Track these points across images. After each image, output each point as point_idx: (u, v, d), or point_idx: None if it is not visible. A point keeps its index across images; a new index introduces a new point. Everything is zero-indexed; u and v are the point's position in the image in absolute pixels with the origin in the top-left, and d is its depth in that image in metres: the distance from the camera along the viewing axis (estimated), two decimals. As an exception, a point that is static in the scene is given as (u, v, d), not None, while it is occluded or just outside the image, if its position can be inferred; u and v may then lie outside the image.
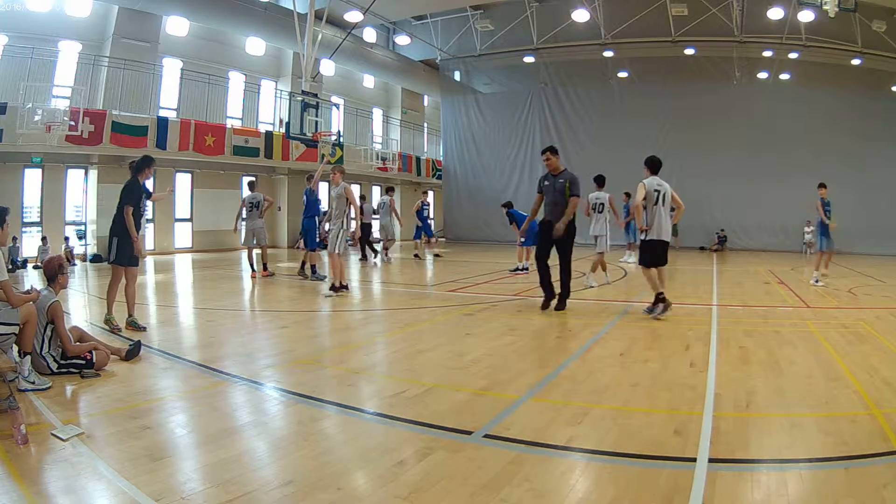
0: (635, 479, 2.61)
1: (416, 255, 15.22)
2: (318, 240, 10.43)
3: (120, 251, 5.81)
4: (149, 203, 6.30)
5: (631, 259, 13.62)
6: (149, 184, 6.27)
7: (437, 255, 14.79)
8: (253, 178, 14.11)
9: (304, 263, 10.59)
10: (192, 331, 6.29)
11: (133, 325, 5.78)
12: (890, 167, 18.57)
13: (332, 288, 8.50)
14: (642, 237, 6.79)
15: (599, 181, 9.87)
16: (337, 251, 8.48)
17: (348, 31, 17.83)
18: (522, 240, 11.45)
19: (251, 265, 10.94)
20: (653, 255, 6.70)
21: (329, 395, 3.81)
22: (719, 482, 2.53)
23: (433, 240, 15.04)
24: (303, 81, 15.06)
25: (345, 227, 8.47)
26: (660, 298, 6.55)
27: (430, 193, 27.61)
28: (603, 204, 9.83)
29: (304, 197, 10.63)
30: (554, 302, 7.09)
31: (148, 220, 13.55)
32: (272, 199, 11.34)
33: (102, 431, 3.09)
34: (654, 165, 6.84)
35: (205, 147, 15.95)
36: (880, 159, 18.65)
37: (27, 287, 4.51)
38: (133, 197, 5.88)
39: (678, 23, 19.17)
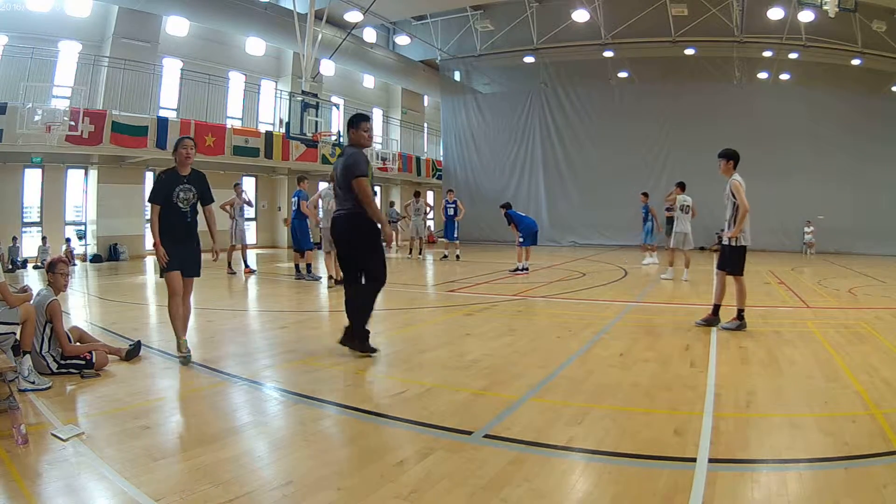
0: (635, 479, 2.60)
1: (444, 256, 15.07)
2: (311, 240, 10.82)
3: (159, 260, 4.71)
4: (184, 195, 4.67)
5: (655, 261, 13.46)
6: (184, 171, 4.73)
7: (455, 257, 14.71)
8: (237, 182, 13.94)
9: (297, 265, 10.72)
10: (192, 331, 6.24)
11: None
12: (890, 167, 18.57)
13: (333, 280, 9.23)
14: (732, 243, 5.93)
15: (682, 186, 10.94)
16: (326, 250, 9.46)
17: (348, 32, 17.82)
18: (521, 240, 11.50)
19: (244, 263, 11.67)
20: (744, 261, 5.94)
21: (329, 395, 3.81)
22: (719, 482, 2.53)
23: (455, 241, 14.93)
24: (303, 81, 15.06)
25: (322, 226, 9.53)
26: (741, 315, 5.90)
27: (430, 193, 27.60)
28: (689, 206, 10.68)
29: (296, 198, 10.72)
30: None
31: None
32: (231, 201, 11.67)
33: (102, 431, 3.09)
34: (738, 158, 5.99)
35: (205, 147, 15.95)
36: (880, 159, 18.64)
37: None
38: (157, 191, 4.64)
39: (678, 23, 19.17)
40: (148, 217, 17.65)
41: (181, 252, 4.71)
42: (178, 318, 4.70)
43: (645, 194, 13.57)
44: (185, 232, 4.73)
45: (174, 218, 4.68)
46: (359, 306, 5.00)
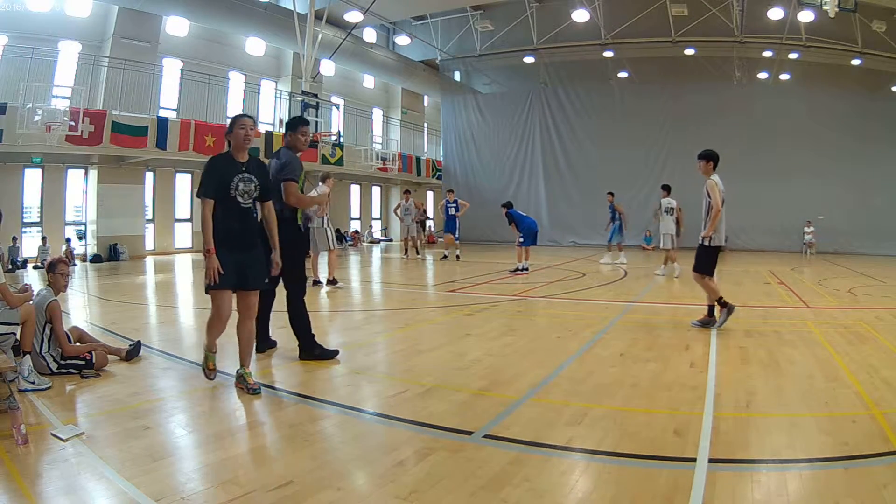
0: (635, 479, 2.61)
1: (444, 256, 14.94)
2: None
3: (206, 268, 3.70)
4: (244, 187, 3.73)
5: (624, 260, 13.61)
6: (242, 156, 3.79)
7: (455, 257, 14.60)
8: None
9: None
10: (192, 331, 6.29)
11: (239, 380, 3.89)
12: (890, 167, 18.56)
13: (327, 281, 9.27)
14: (705, 243, 6.03)
15: (667, 189, 11.47)
16: (330, 247, 9.54)
17: (348, 32, 17.83)
18: (521, 240, 11.51)
19: None
20: (715, 261, 6.09)
21: (329, 395, 3.81)
22: (719, 482, 2.53)
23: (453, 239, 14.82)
24: (303, 81, 15.10)
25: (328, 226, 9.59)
26: (723, 303, 5.97)
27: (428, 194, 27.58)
28: (672, 208, 11.29)
29: None
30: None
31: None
32: None
33: (102, 431, 3.09)
34: (717, 160, 6.09)
35: (205, 147, 15.95)
36: (880, 159, 18.65)
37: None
38: (209, 182, 3.67)
39: (678, 23, 19.17)
40: (149, 217, 17.56)
41: (239, 261, 3.74)
42: (214, 335, 3.90)
43: (611, 193, 13.61)
44: (246, 235, 3.78)
45: (232, 217, 3.71)
46: (292, 319, 4.78)
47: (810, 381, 4.12)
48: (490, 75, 24.36)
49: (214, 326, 3.87)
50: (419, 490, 2.46)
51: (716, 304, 6.00)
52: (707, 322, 6.07)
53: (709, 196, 6.00)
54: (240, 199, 3.71)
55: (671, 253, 11.27)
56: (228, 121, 3.89)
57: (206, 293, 3.77)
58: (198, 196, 3.69)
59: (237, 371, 3.93)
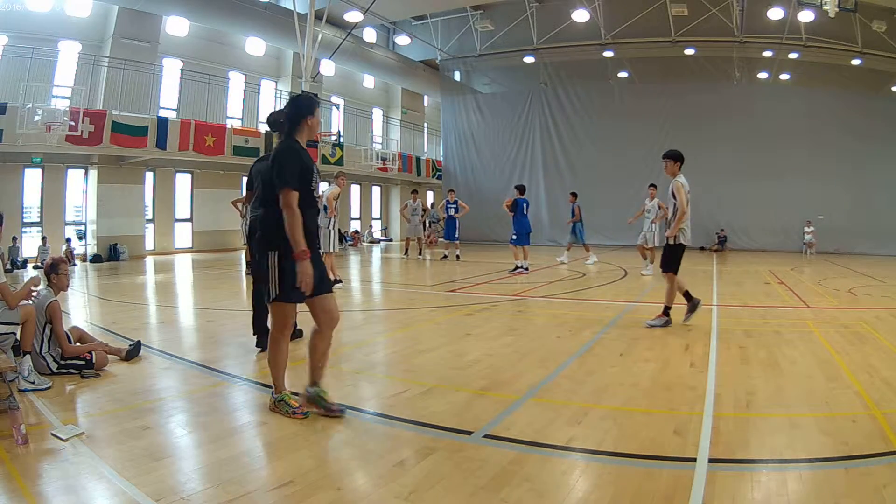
0: (635, 479, 2.61)
1: (444, 256, 14.90)
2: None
3: (282, 276, 3.14)
4: (319, 184, 3.46)
5: (567, 260, 13.64)
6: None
7: (455, 257, 14.55)
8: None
9: None
10: (192, 331, 6.29)
11: (316, 401, 3.38)
12: (890, 167, 18.57)
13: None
14: (671, 242, 6.13)
15: (656, 187, 11.59)
16: (330, 250, 9.28)
17: (348, 32, 17.84)
18: (514, 237, 11.53)
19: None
20: (679, 259, 6.16)
21: (329, 395, 3.80)
22: (719, 482, 2.53)
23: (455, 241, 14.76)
24: (303, 81, 15.10)
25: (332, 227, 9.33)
26: (668, 311, 6.17)
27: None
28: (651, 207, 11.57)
29: None
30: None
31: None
32: (243, 198, 11.62)
33: (102, 431, 3.09)
34: (683, 160, 6.14)
35: (205, 147, 15.96)
36: (880, 159, 18.65)
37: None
38: (294, 168, 3.12)
39: (678, 23, 19.18)
40: (149, 217, 17.32)
41: (315, 265, 3.23)
42: (283, 363, 3.43)
43: (573, 194, 13.59)
44: (318, 232, 3.42)
45: (310, 213, 3.23)
46: None
47: (810, 381, 4.13)
48: (490, 75, 24.36)
49: (281, 348, 3.39)
50: (419, 490, 2.46)
51: (673, 305, 6.20)
52: (691, 308, 6.19)
53: (674, 197, 6.09)
54: (315, 190, 3.31)
55: (652, 250, 11.54)
56: (294, 102, 3.35)
57: (269, 302, 3.28)
58: (285, 186, 3.06)
59: (309, 390, 3.38)
